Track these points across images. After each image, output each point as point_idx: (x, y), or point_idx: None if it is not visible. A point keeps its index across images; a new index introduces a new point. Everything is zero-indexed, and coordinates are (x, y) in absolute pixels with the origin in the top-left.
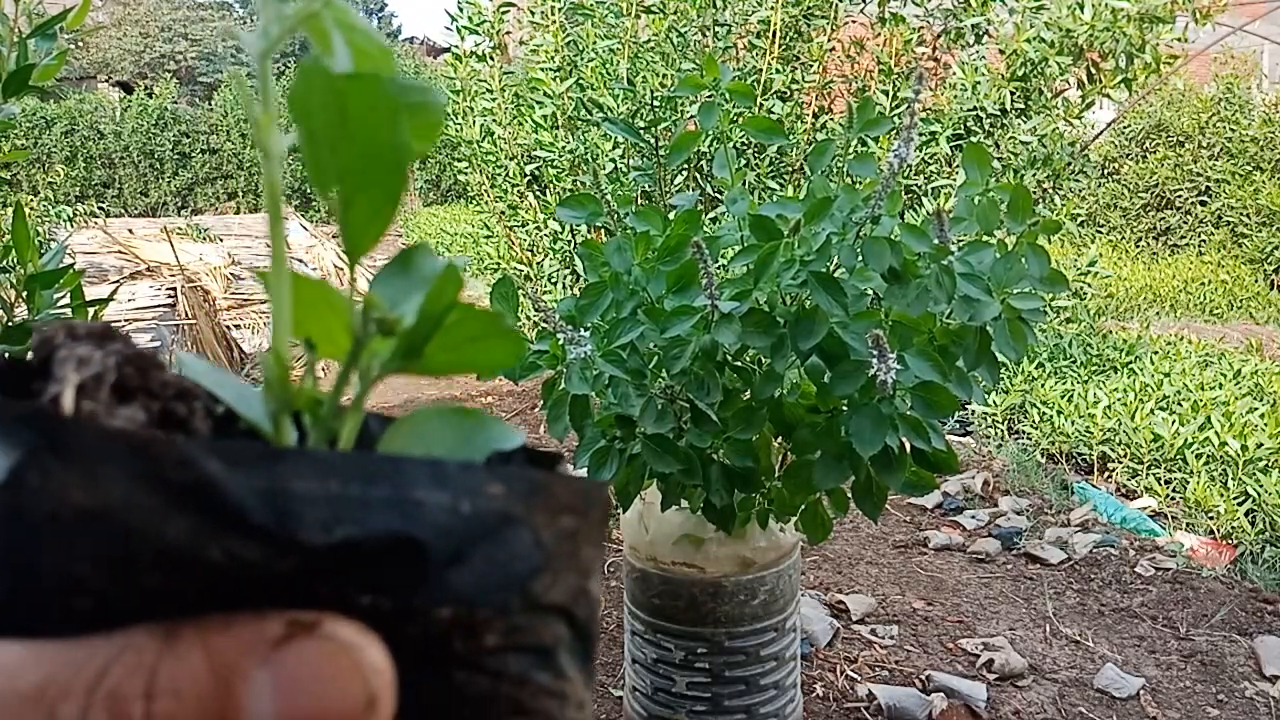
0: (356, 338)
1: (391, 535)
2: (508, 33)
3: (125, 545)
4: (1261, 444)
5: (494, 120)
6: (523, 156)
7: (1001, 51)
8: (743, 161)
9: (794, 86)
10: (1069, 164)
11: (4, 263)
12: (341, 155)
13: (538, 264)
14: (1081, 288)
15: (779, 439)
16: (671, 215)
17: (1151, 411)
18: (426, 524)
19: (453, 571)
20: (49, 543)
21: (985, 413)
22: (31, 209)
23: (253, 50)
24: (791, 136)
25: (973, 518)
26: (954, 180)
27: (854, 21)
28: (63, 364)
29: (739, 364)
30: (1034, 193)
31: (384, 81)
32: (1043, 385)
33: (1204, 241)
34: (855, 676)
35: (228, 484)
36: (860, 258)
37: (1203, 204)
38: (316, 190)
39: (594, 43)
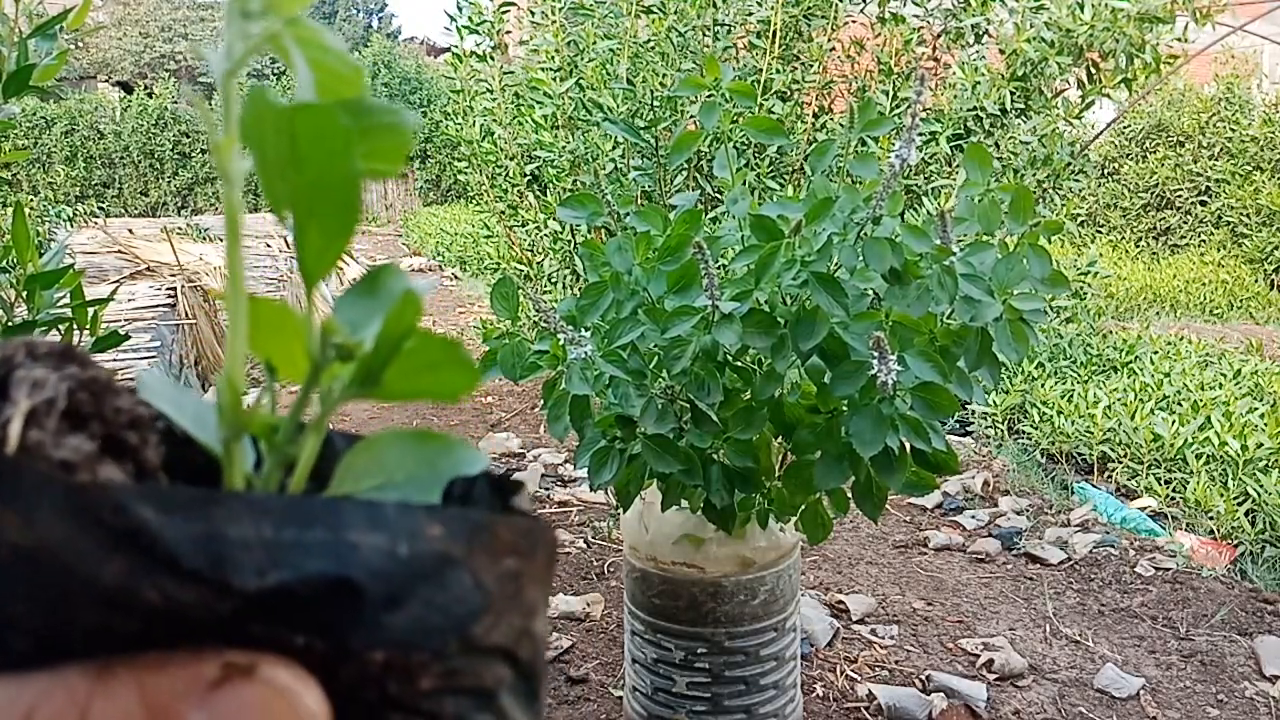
0: (315, 362)
1: (326, 578)
2: (508, 32)
3: (62, 584)
4: (1261, 444)
5: (494, 120)
6: (523, 156)
7: (1001, 51)
8: (743, 161)
9: (794, 86)
10: (1069, 164)
11: (4, 263)
12: (292, 183)
13: (538, 264)
14: (1081, 288)
15: (779, 439)
16: (672, 215)
17: (1151, 411)
18: (362, 567)
19: (389, 614)
20: None
21: (985, 413)
22: (31, 209)
23: (216, 69)
24: (791, 136)
25: (973, 518)
26: (954, 180)
27: (854, 21)
28: (18, 386)
29: (739, 364)
30: (1034, 193)
31: (334, 111)
32: (1043, 385)
33: (1204, 241)
34: (855, 676)
35: (161, 529)
36: (861, 258)
37: (1203, 204)
38: (273, 212)
39: (594, 43)
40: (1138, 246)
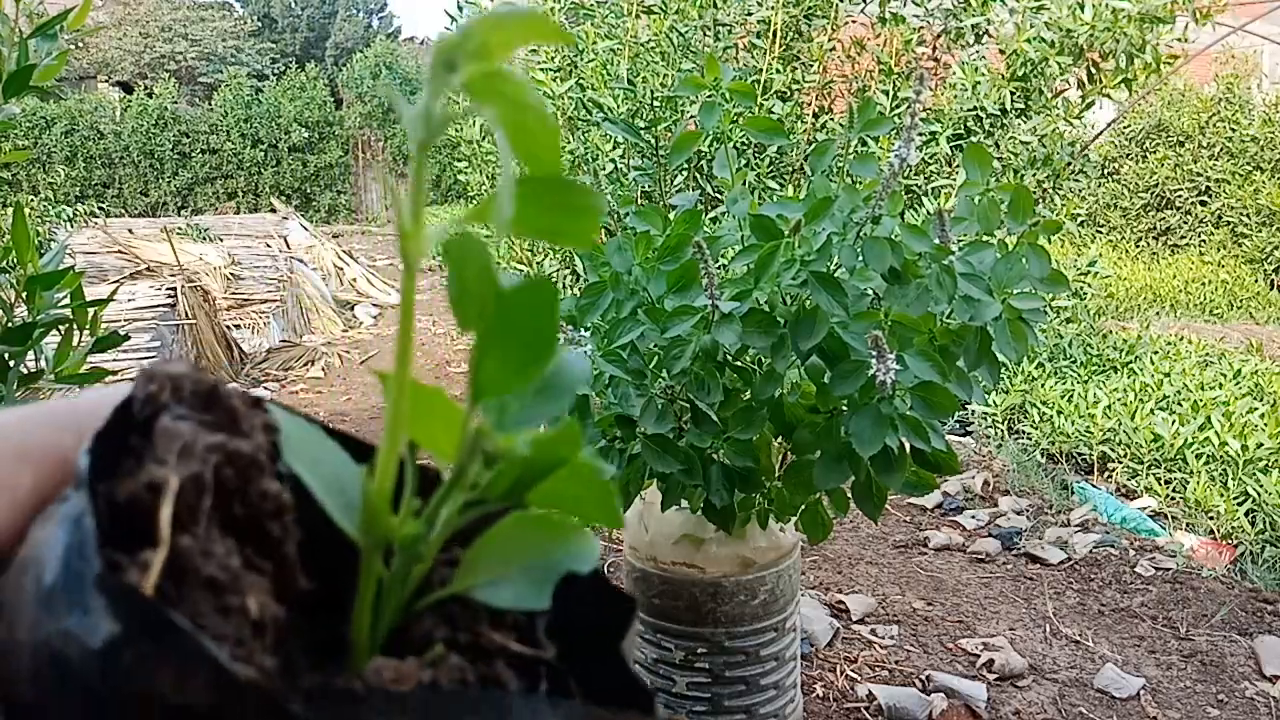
0: (460, 464)
1: None
2: None
3: None
4: (1261, 444)
5: None
6: None
7: (1001, 51)
8: (743, 161)
9: (794, 86)
10: (1069, 164)
11: (4, 263)
12: (488, 318)
13: (538, 264)
14: (1081, 288)
15: (779, 439)
16: (671, 215)
17: (1151, 411)
18: None
19: None
20: None
21: (985, 413)
22: (32, 209)
23: (412, 135)
24: (791, 137)
25: (973, 518)
26: (954, 180)
27: (854, 21)
28: (166, 442)
29: (739, 364)
30: (1034, 193)
31: (548, 288)
32: (1043, 385)
33: (1204, 241)
34: (855, 676)
35: None
36: (861, 258)
37: (1203, 204)
38: (456, 320)
39: (594, 43)
40: (1138, 246)
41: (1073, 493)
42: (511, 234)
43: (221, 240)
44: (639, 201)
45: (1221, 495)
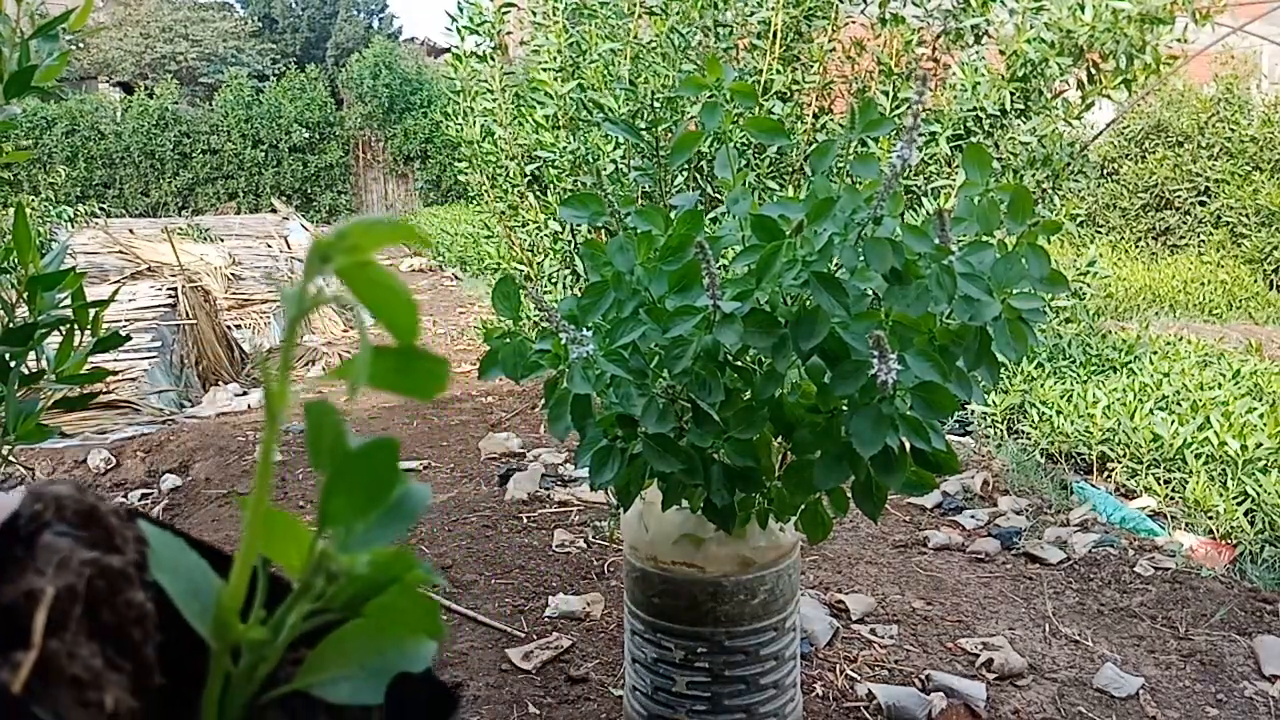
0: (304, 581)
1: None
2: (508, 33)
3: None
4: (1261, 444)
5: (494, 120)
6: (523, 157)
7: (1001, 52)
8: (743, 162)
9: (794, 87)
10: (1068, 164)
11: (5, 264)
12: (337, 465)
13: (538, 264)
14: (1081, 288)
15: (779, 439)
16: (672, 215)
17: (1151, 411)
18: None
19: None
20: None
21: (985, 413)
22: (32, 209)
23: (289, 309)
24: (792, 137)
25: (972, 517)
26: (953, 180)
27: (854, 22)
28: (45, 555)
29: (739, 364)
30: (1033, 193)
31: (390, 446)
32: (1042, 385)
33: (1203, 241)
34: (855, 676)
35: None
36: (862, 258)
37: (1202, 204)
38: (310, 461)
39: (596, 44)
40: (1137, 246)
41: (1072, 492)
42: (370, 387)
43: (222, 240)
44: (639, 202)
45: (1221, 495)
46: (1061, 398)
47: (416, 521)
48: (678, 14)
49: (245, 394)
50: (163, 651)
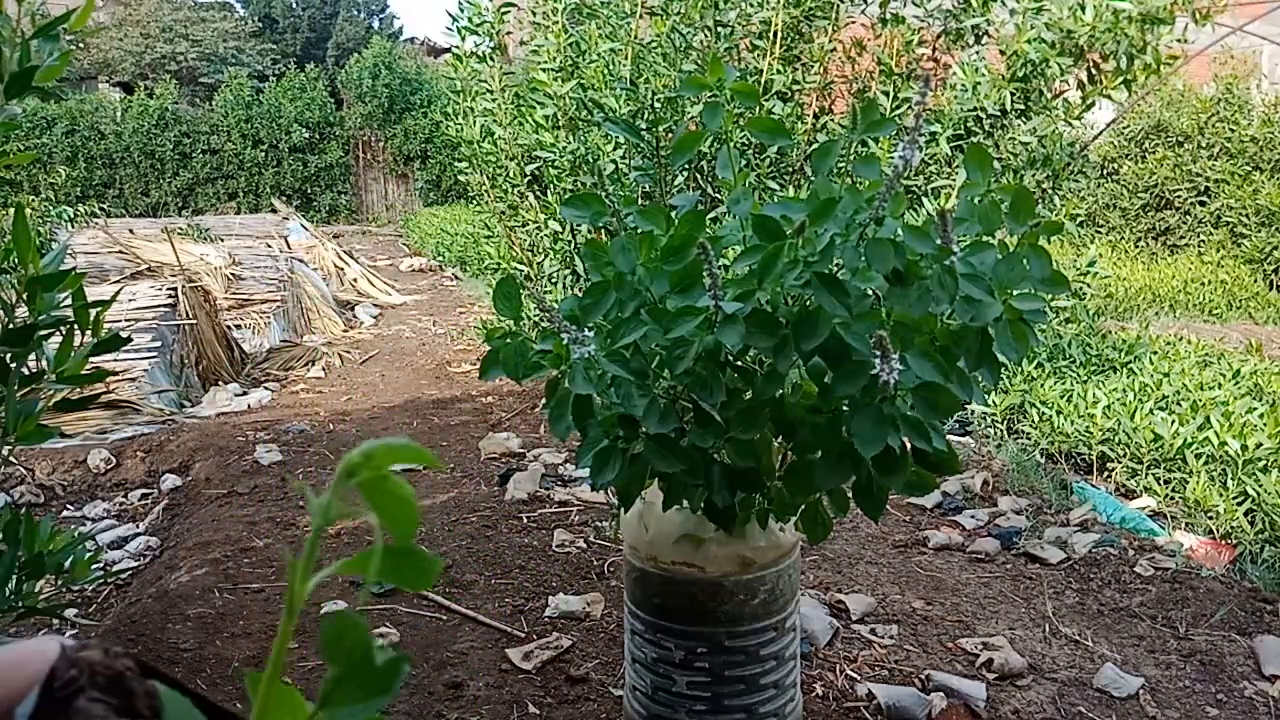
0: None
1: None
2: (508, 33)
3: None
4: (1261, 444)
5: (494, 120)
6: (523, 157)
7: (1002, 52)
8: (744, 162)
9: (794, 87)
10: (1068, 164)
11: (5, 264)
12: (353, 667)
13: (538, 264)
14: (1081, 288)
15: (780, 439)
16: (673, 215)
17: (1151, 411)
18: None
19: None
20: None
21: (985, 413)
22: (33, 209)
23: (314, 518)
24: (792, 137)
25: (972, 517)
26: (954, 180)
27: (854, 22)
28: None
29: (741, 364)
30: (1034, 193)
31: (397, 665)
32: (1042, 385)
33: (1203, 241)
34: (855, 676)
35: None
36: (864, 259)
37: (1202, 204)
38: (322, 653)
39: (596, 44)
40: (1137, 246)
41: (1072, 492)
42: (378, 580)
43: (222, 240)
44: (641, 202)
45: (1221, 495)
46: (1061, 398)
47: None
48: (678, 14)
49: (245, 394)
50: None
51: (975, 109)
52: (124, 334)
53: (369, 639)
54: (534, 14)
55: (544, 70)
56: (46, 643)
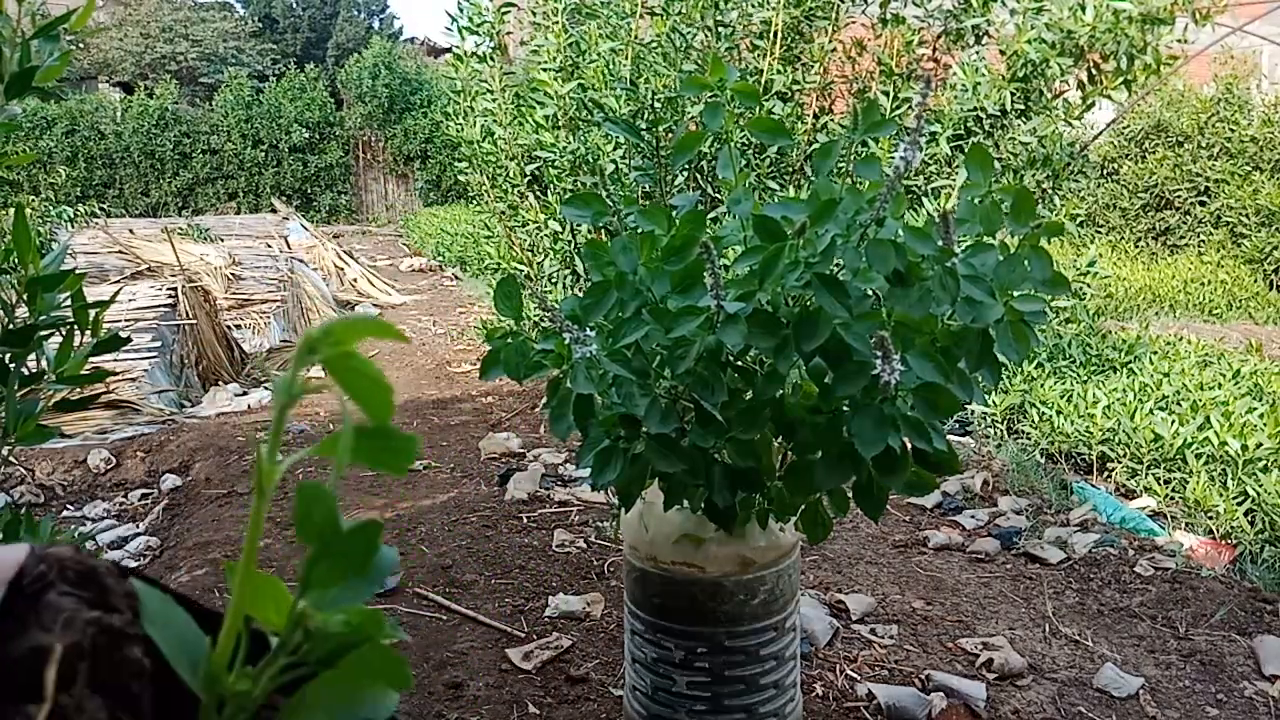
0: (284, 639)
1: None
2: (508, 33)
3: None
4: (1261, 444)
5: (494, 120)
6: (523, 157)
7: (1002, 52)
8: (744, 162)
9: (795, 87)
10: (1068, 164)
11: (5, 264)
12: (326, 540)
13: (538, 264)
14: (1081, 288)
15: (780, 439)
16: (673, 215)
17: (1151, 411)
18: None
19: None
20: None
21: (985, 413)
22: (33, 209)
23: (278, 397)
24: (793, 137)
25: (972, 517)
26: (954, 181)
27: (855, 23)
28: (51, 613)
29: (741, 364)
30: (1034, 193)
31: (374, 529)
32: (1042, 385)
33: (1203, 241)
34: (855, 676)
35: None
36: (864, 259)
37: (1202, 204)
38: (297, 533)
39: (596, 44)
40: (1137, 247)
41: (1072, 492)
42: (350, 462)
43: (222, 240)
44: (640, 202)
45: (1221, 495)
46: (1061, 398)
47: (383, 584)
48: (679, 14)
49: (245, 394)
50: (158, 702)
51: (975, 109)
52: (124, 334)
53: (336, 510)
54: (534, 14)
55: (544, 70)
56: (16, 546)
